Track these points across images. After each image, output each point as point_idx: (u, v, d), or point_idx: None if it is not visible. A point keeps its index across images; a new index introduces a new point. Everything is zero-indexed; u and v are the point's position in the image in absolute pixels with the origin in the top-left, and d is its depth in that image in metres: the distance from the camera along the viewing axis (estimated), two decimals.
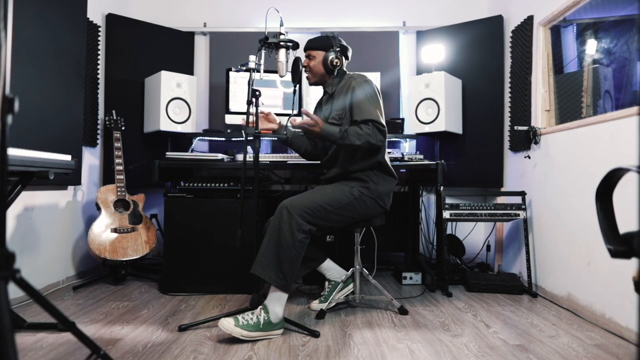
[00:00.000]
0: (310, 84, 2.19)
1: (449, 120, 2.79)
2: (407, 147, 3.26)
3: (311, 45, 2.11)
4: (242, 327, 1.68)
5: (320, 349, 1.66)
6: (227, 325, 1.68)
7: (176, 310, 2.13)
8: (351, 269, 2.17)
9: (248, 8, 3.37)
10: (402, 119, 3.08)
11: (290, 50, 2.03)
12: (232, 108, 2.98)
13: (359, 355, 1.60)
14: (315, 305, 2.15)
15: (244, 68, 1.98)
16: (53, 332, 1.75)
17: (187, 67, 3.31)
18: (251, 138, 1.92)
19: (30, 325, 1.78)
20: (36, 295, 0.96)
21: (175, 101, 2.84)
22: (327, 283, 2.24)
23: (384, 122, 1.96)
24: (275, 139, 3.11)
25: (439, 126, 2.77)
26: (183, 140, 3.08)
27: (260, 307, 1.76)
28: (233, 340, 1.70)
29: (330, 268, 2.24)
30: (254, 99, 1.93)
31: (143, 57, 3.13)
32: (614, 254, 0.80)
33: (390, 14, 3.38)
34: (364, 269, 2.18)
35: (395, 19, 3.36)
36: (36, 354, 1.56)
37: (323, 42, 2.08)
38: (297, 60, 2.08)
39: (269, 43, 1.97)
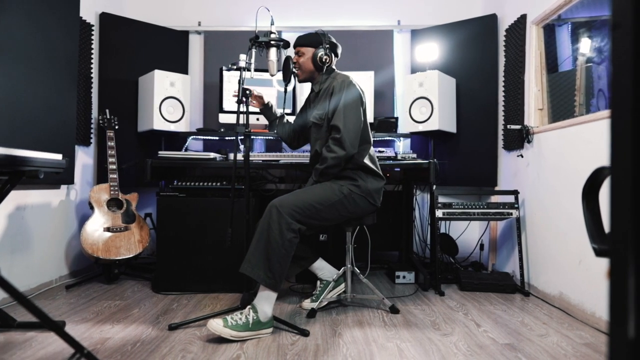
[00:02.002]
0: (299, 81, 2.19)
1: (443, 119, 2.79)
2: (402, 146, 3.26)
3: (300, 42, 2.10)
4: (231, 327, 1.68)
5: (309, 347, 1.66)
6: (216, 326, 1.68)
7: (168, 309, 2.13)
8: (342, 268, 2.17)
9: (243, 7, 3.37)
10: (396, 118, 3.07)
11: (281, 49, 2.03)
12: (225, 107, 2.98)
13: (347, 354, 1.60)
14: (307, 304, 2.15)
15: (235, 67, 1.98)
16: (42, 331, 1.75)
17: (181, 66, 3.31)
18: (242, 137, 1.92)
19: (20, 325, 1.78)
20: (17, 294, 0.96)
21: (168, 100, 2.83)
22: (318, 282, 2.24)
23: (354, 129, 1.96)
24: (270, 138, 3.12)
25: (432, 125, 2.77)
26: (177, 139, 3.08)
27: (248, 306, 1.76)
28: (222, 340, 1.70)
29: (321, 267, 2.24)
30: (244, 98, 1.93)
31: (137, 56, 3.13)
32: (599, 252, 0.80)
33: (384, 13, 3.37)
34: (355, 268, 2.18)
35: (390, 18, 3.36)
36: (24, 352, 1.56)
37: (312, 38, 2.08)
38: (288, 59, 2.08)
39: (260, 42, 1.97)
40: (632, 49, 0.56)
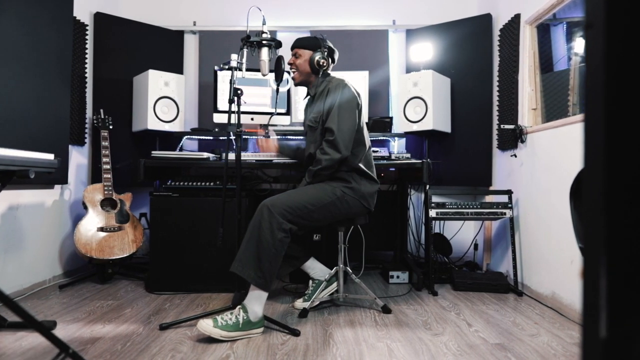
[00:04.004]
0: (296, 84, 2.19)
1: (437, 119, 2.78)
2: (396, 146, 3.26)
3: (299, 44, 2.11)
4: (221, 327, 1.68)
5: (299, 347, 1.66)
6: (206, 326, 1.68)
7: (160, 309, 2.13)
8: (335, 268, 2.17)
9: (238, 7, 3.36)
10: (391, 118, 3.07)
11: (273, 49, 2.03)
12: (220, 107, 2.98)
13: (337, 354, 1.60)
14: (299, 304, 2.15)
15: (227, 67, 1.98)
16: (33, 331, 1.75)
17: (176, 66, 3.31)
18: (233, 137, 1.92)
19: (11, 325, 1.78)
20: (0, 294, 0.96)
21: (163, 100, 2.83)
22: (310, 282, 2.24)
23: (348, 131, 1.97)
24: (264, 138, 3.11)
25: (426, 125, 2.76)
26: (172, 139, 3.08)
27: (239, 306, 1.76)
28: (212, 339, 1.70)
29: (314, 267, 2.24)
30: (235, 98, 1.93)
31: (132, 56, 3.13)
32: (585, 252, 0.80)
33: (380, 13, 3.37)
34: (347, 267, 2.18)
35: (385, 18, 3.36)
36: (14, 352, 1.57)
37: (311, 41, 2.09)
38: (279, 58, 2.08)
39: (251, 42, 1.97)
40: (604, 49, 0.55)
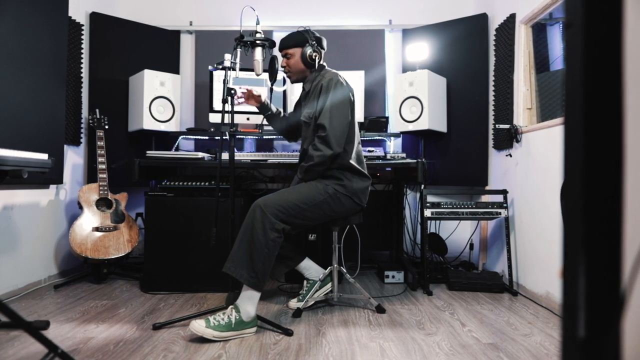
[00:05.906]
0: (292, 82, 2.19)
1: (433, 119, 2.78)
2: (392, 146, 3.25)
3: (286, 44, 2.09)
4: (213, 327, 1.68)
5: (292, 347, 1.66)
6: (198, 327, 1.68)
7: (154, 308, 2.13)
8: (329, 268, 2.17)
9: (234, 7, 3.35)
10: (387, 118, 3.07)
11: (267, 49, 2.03)
12: (215, 107, 2.98)
13: (329, 354, 1.60)
14: (293, 304, 2.15)
15: (220, 67, 1.98)
16: None
17: (173, 66, 3.30)
18: (226, 138, 1.92)
19: (4, 324, 1.77)
20: None
21: (158, 100, 2.83)
22: (305, 282, 2.24)
23: (340, 127, 1.95)
24: (260, 138, 3.12)
25: (422, 124, 2.76)
26: (168, 139, 3.08)
27: (231, 306, 1.76)
28: (205, 339, 1.70)
29: (308, 267, 2.24)
30: (229, 98, 1.93)
31: (128, 55, 3.12)
32: None
33: (376, 12, 3.37)
34: (342, 267, 2.18)
35: (382, 17, 3.35)
36: (7, 352, 1.57)
37: (297, 38, 2.07)
38: (273, 58, 2.08)
39: (245, 41, 1.97)
40: (582, 47, 0.56)
